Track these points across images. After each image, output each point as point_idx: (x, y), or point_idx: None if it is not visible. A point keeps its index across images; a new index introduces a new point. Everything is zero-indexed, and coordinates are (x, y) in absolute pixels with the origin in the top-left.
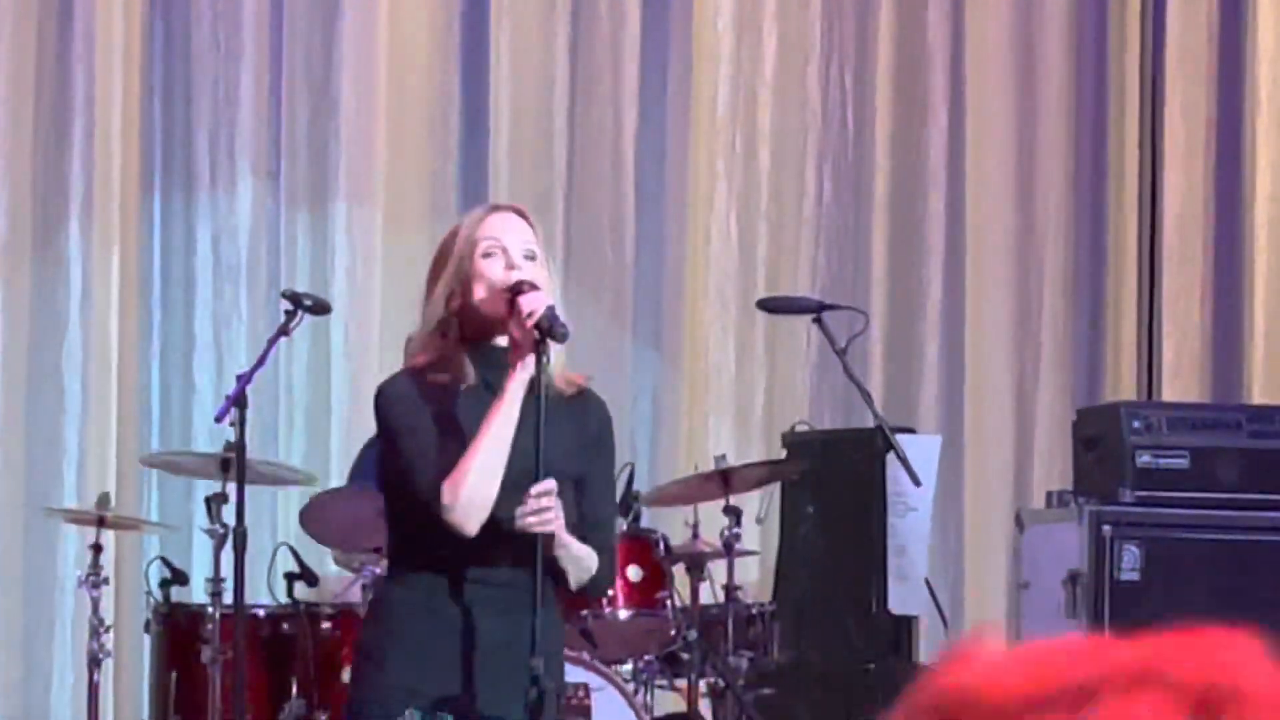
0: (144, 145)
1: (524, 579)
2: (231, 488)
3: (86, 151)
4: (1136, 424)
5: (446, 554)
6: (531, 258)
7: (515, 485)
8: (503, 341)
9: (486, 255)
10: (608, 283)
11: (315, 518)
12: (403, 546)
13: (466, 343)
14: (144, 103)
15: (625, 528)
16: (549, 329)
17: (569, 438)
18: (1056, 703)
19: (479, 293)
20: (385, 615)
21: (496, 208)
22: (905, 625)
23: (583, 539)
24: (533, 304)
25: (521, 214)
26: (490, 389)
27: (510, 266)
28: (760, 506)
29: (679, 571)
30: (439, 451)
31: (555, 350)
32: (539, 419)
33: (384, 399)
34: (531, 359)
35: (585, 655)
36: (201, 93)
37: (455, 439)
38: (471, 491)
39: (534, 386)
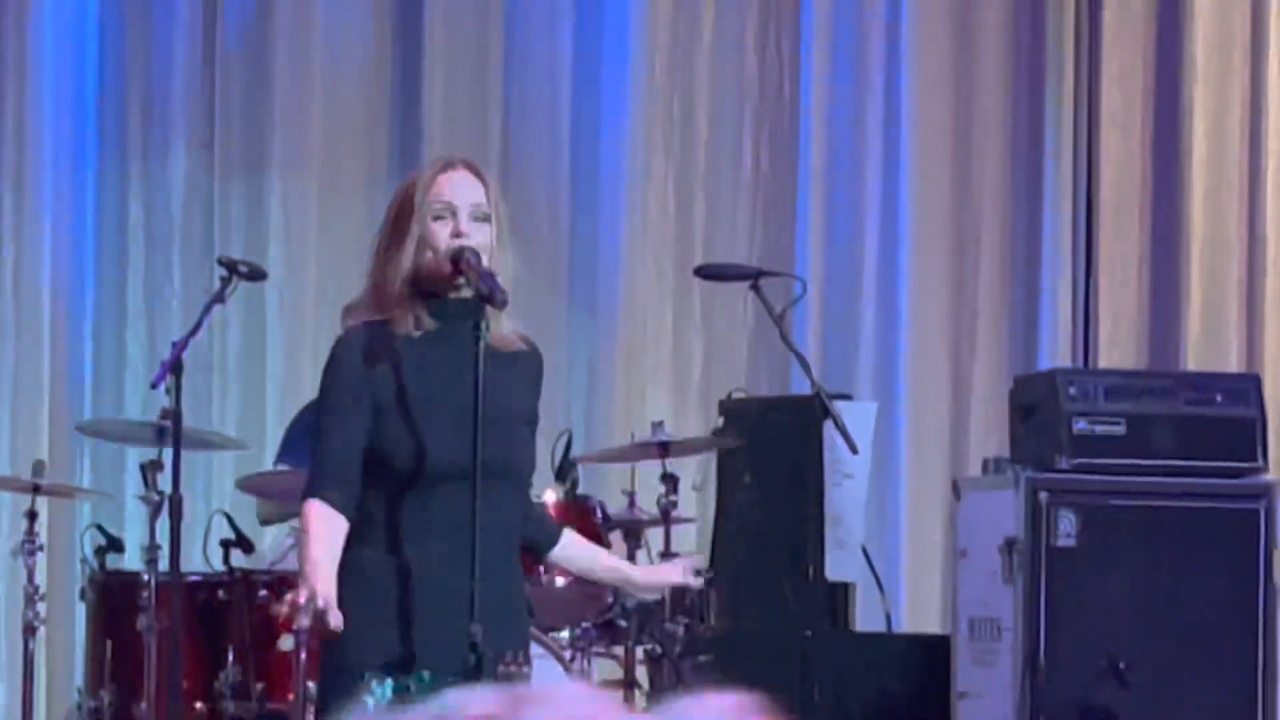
0: (76, 115)
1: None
2: (167, 454)
3: (18, 122)
4: (1073, 391)
5: (398, 504)
6: (481, 218)
7: (461, 430)
8: (456, 294)
9: (437, 218)
10: (544, 250)
11: (255, 490)
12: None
13: (421, 296)
14: (75, 73)
15: (562, 495)
16: (489, 296)
17: (517, 382)
18: None
19: (427, 255)
20: (347, 576)
21: (449, 165)
22: (842, 592)
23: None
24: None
25: (474, 169)
26: (445, 338)
27: (457, 233)
28: (697, 474)
29: (616, 539)
30: (395, 406)
31: (506, 314)
32: (477, 374)
33: (333, 358)
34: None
35: None
36: (134, 62)
37: (411, 388)
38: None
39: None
